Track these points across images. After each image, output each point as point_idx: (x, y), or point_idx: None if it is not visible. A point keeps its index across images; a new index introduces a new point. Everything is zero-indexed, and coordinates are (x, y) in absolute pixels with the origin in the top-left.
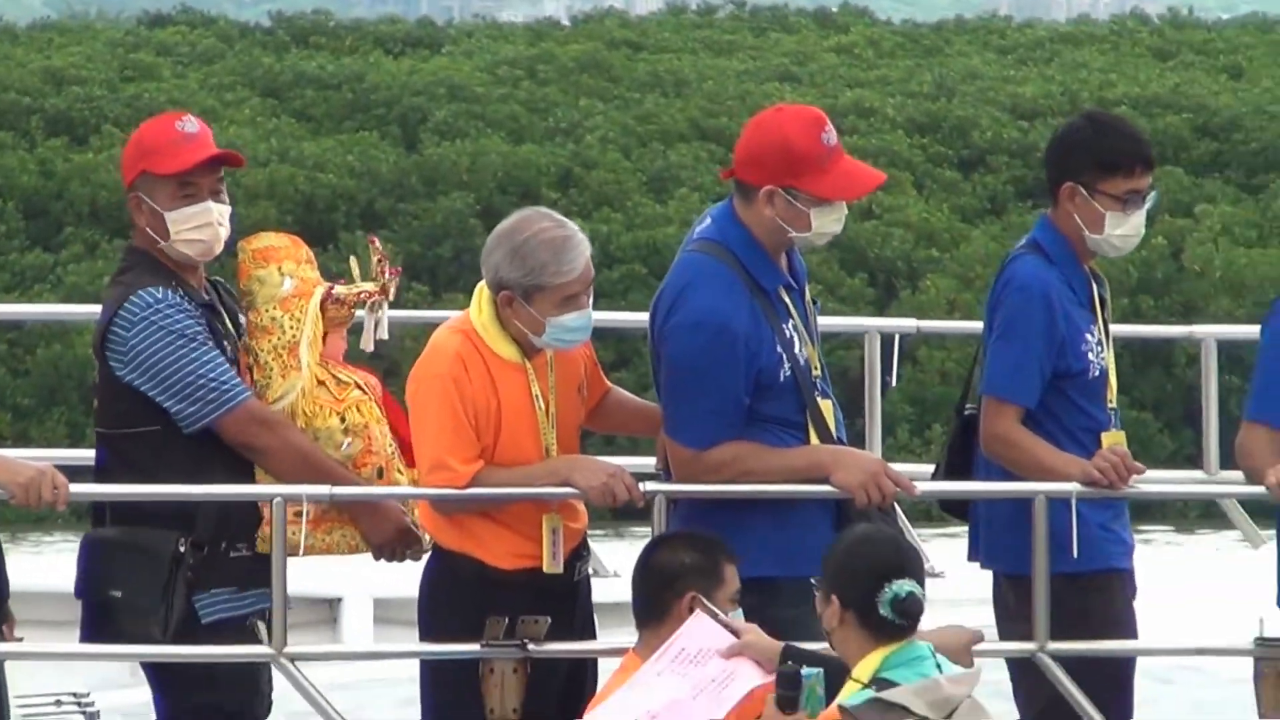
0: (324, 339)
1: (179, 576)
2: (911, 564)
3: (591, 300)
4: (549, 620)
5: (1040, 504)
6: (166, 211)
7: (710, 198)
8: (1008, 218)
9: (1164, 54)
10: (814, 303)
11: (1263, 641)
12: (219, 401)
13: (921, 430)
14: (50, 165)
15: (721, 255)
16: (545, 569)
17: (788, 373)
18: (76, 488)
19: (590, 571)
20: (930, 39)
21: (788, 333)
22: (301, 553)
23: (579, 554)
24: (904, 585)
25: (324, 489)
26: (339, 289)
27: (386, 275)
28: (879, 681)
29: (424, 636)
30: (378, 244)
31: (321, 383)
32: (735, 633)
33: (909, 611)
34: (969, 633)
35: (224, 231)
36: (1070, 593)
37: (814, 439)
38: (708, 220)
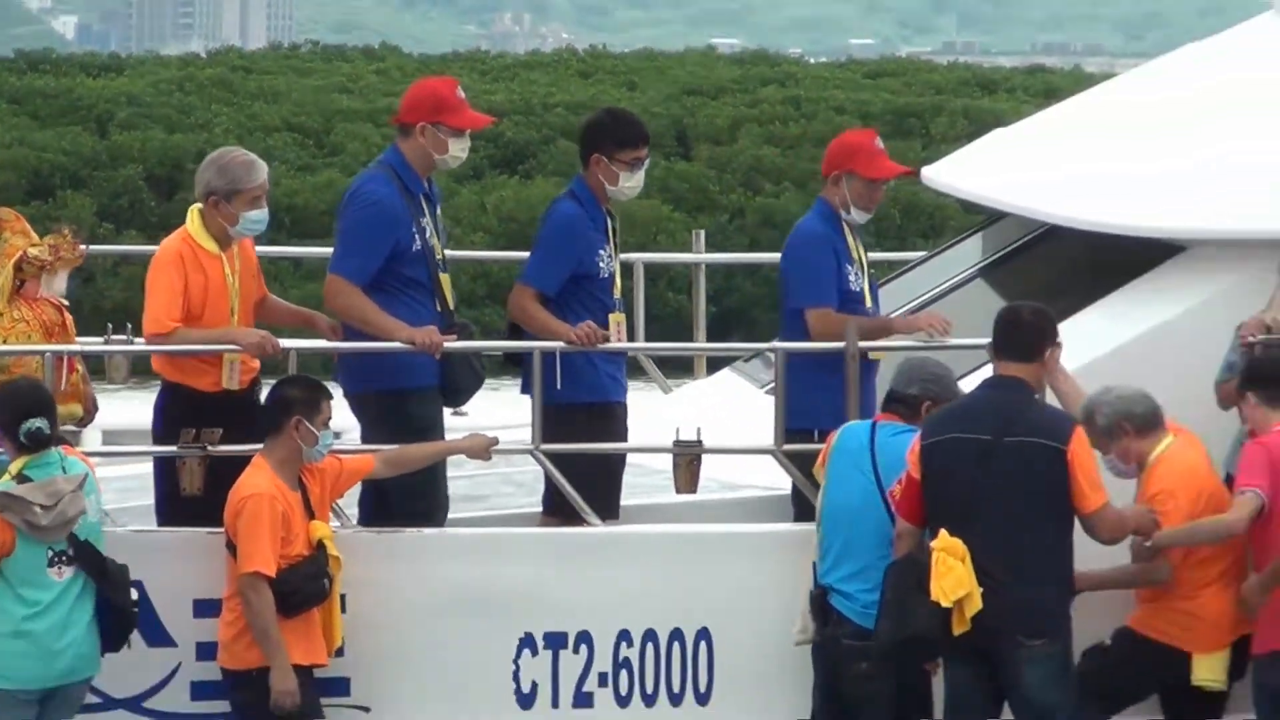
0: (24, 285)
1: None
2: (43, 405)
3: (267, 205)
4: (221, 431)
5: (536, 355)
6: None
7: (293, 168)
8: (485, 180)
9: (586, 74)
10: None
11: (678, 443)
12: None
13: None
14: None
15: (385, 170)
16: (224, 385)
17: (419, 247)
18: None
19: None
20: (437, 66)
21: (422, 223)
22: None
23: (254, 383)
24: (34, 423)
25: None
26: (31, 251)
27: (73, 252)
28: (19, 477)
29: (155, 441)
30: (66, 232)
31: (0, 314)
32: None
33: (36, 439)
34: (487, 438)
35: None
36: (585, 416)
37: (438, 302)
38: (383, 154)
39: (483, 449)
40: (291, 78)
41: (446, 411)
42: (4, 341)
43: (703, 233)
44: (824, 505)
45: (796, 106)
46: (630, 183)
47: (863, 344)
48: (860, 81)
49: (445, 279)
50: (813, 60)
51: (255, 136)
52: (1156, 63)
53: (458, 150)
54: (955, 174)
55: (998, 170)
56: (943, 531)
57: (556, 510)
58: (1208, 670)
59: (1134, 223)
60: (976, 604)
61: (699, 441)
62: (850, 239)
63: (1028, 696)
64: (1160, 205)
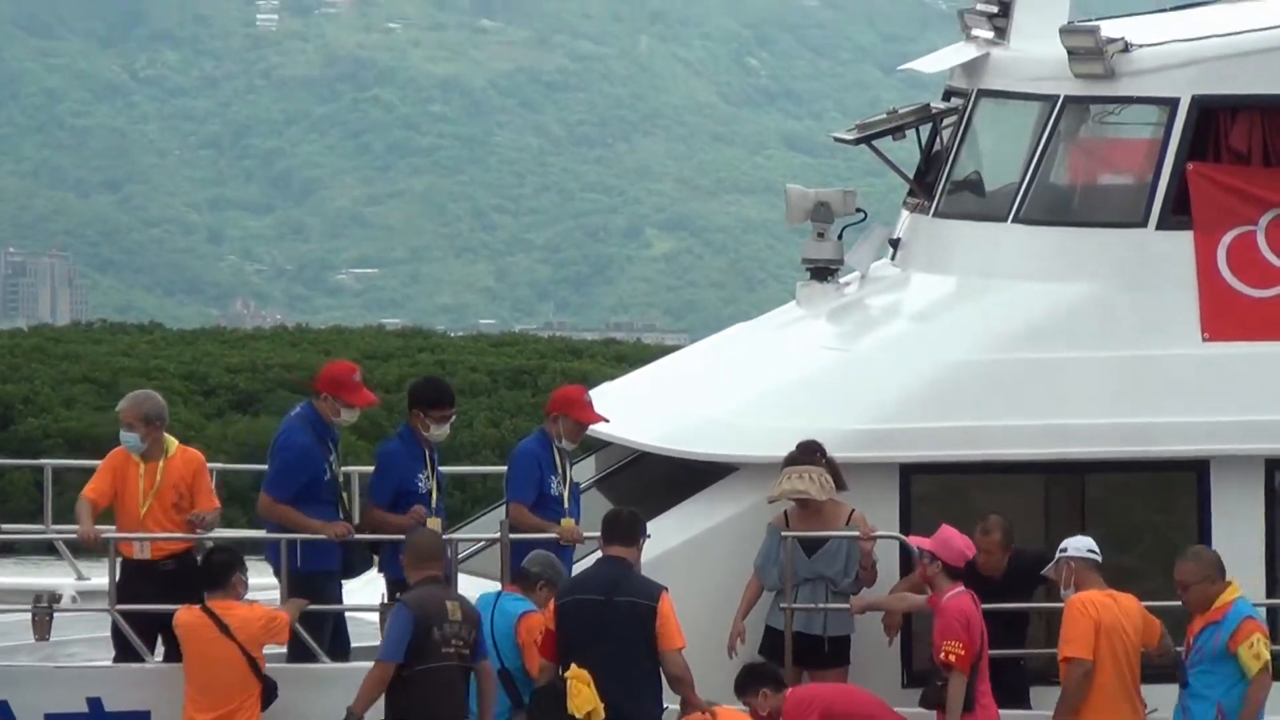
0: None
1: None
2: None
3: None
4: (64, 595)
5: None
6: None
7: (92, 408)
8: (224, 418)
9: (295, 344)
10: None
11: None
12: None
13: None
14: None
15: (304, 420)
16: (135, 555)
17: (327, 476)
18: None
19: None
20: (190, 337)
21: (330, 458)
22: None
23: (172, 555)
24: None
25: None
26: None
27: None
28: None
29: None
30: None
31: None
32: None
33: None
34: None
35: None
36: None
37: (341, 512)
38: (298, 409)
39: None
40: (88, 345)
41: None
42: None
43: None
44: None
45: (443, 367)
46: (439, 431)
47: (514, 536)
48: (487, 349)
49: (344, 496)
50: (453, 334)
51: (63, 387)
52: (715, 336)
53: (348, 416)
54: None
55: (605, 412)
56: (573, 664)
57: None
58: None
59: (697, 449)
60: (601, 715)
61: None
62: (558, 458)
63: None
64: (717, 437)
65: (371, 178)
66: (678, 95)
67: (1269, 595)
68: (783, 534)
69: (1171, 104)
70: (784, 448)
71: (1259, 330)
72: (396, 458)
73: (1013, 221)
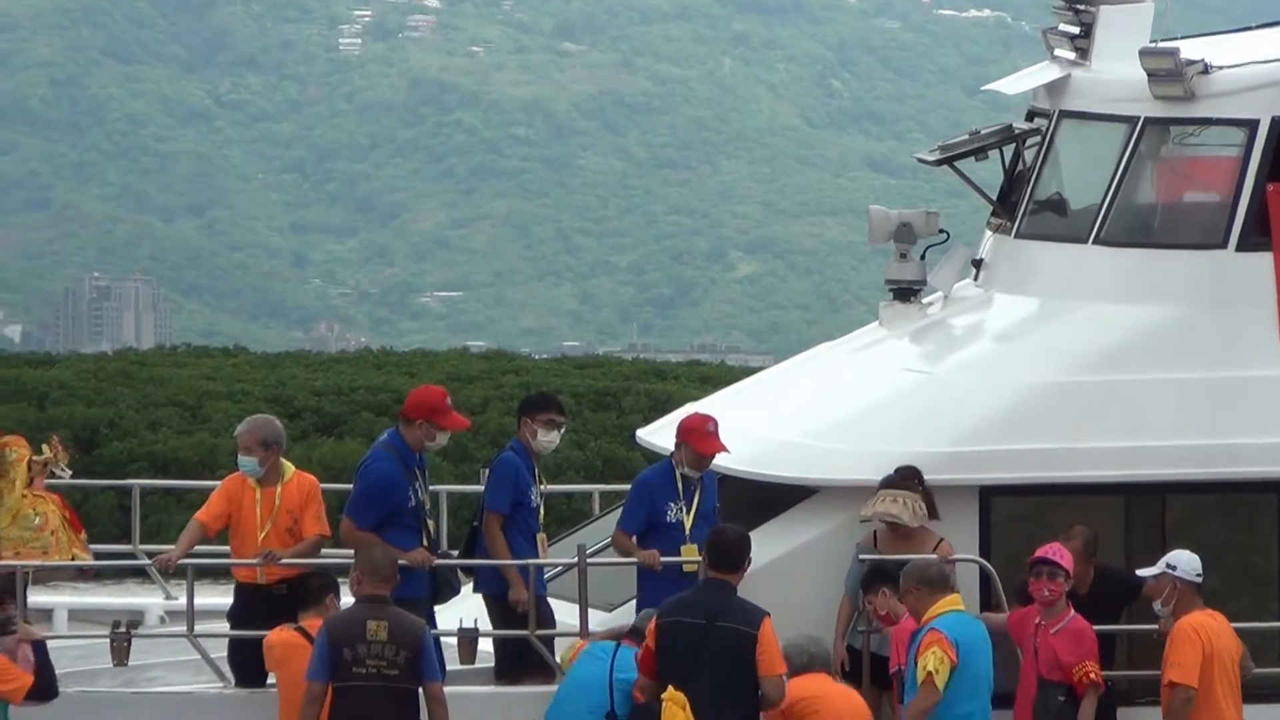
0: (33, 480)
1: None
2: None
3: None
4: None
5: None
6: None
7: (176, 432)
8: (309, 440)
9: (379, 366)
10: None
11: (461, 630)
12: None
13: None
14: None
15: (390, 447)
16: (257, 580)
17: (412, 501)
18: None
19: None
20: (274, 361)
21: (416, 485)
22: None
23: (281, 581)
24: None
25: None
26: (37, 457)
27: (56, 454)
28: None
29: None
30: (56, 441)
31: (24, 495)
32: None
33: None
34: None
35: None
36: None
37: (426, 538)
38: (385, 436)
39: None
40: (172, 369)
41: None
42: (34, 510)
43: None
44: (568, 680)
45: (527, 389)
46: (547, 438)
47: (592, 562)
48: (571, 371)
49: (431, 525)
50: (537, 357)
51: (148, 410)
52: (798, 357)
53: (441, 440)
54: (660, 435)
55: None
56: (670, 687)
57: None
58: None
59: (778, 472)
60: None
61: (475, 629)
62: (680, 485)
63: None
64: (797, 459)
65: (455, 201)
66: (761, 118)
67: None
68: (860, 558)
69: (1251, 125)
70: (864, 471)
71: None
72: (516, 467)
73: (1093, 243)
